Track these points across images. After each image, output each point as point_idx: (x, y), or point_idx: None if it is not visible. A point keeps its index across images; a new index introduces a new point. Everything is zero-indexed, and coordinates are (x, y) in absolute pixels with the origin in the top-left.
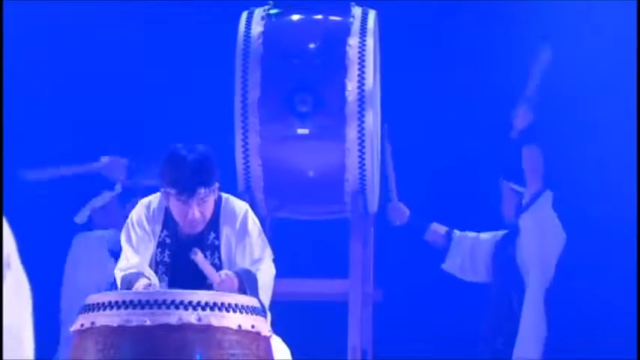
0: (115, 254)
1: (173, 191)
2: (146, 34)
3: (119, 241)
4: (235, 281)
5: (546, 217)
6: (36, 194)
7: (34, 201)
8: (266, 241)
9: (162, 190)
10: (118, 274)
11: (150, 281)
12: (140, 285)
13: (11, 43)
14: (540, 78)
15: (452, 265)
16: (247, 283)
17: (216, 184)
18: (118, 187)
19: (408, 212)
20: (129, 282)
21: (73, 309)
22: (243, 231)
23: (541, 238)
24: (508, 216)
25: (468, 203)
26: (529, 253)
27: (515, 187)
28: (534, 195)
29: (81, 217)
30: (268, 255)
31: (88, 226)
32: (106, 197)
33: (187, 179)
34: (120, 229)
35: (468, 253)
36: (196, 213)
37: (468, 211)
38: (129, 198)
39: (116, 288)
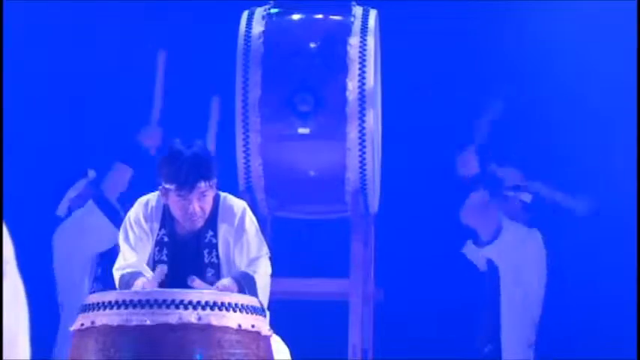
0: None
1: (172, 186)
2: (146, 34)
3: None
4: (235, 289)
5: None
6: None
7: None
8: (263, 239)
9: (161, 187)
10: (117, 274)
11: (148, 280)
12: (139, 284)
13: (11, 43)
14: (488, 129)
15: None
16: (246, 287)
17: (215, 179)
18: (92, 173)
19: None
20: (127, 281)
21: (72, 301)
22: (241, 229)
23: (517, 252)
24: (465, 173)
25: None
26: (504, 263)
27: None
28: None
29: (61, 210)
30: (265, 253)
31: (68, 216)
32: (80, 186)
33: (187, 173)
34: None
35: None
36: (196, 208)
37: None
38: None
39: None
